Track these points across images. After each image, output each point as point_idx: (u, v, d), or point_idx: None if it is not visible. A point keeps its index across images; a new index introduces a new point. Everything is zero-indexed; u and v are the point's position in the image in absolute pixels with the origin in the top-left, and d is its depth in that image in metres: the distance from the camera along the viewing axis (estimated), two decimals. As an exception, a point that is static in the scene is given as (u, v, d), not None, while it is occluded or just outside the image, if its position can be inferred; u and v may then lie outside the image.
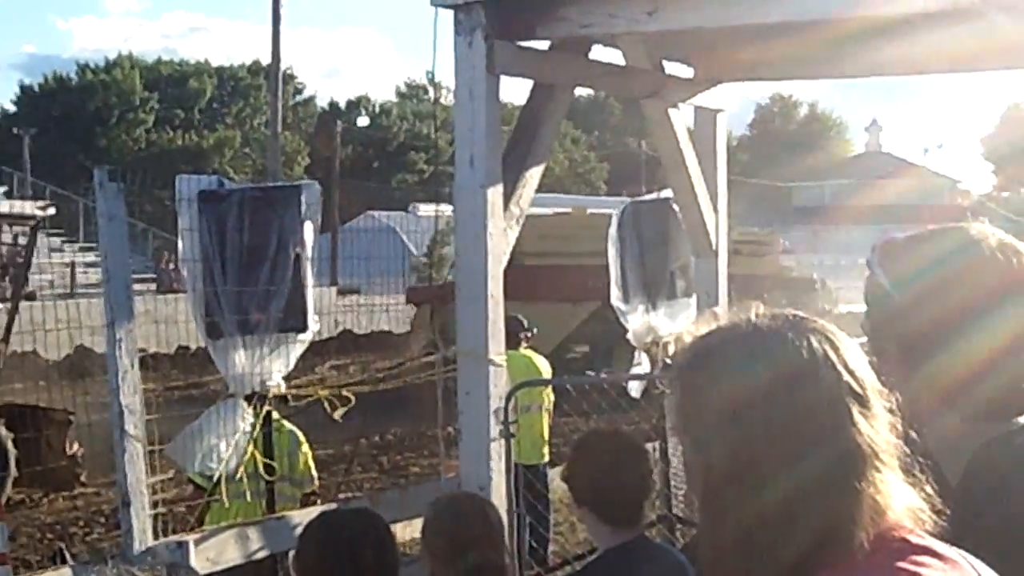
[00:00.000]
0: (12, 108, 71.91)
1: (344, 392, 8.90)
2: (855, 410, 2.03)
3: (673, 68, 10.39)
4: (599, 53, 9.57)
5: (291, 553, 8.47)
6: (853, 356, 2.09)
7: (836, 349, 2.08)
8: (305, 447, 9.47)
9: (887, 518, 2.03)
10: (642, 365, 10.87)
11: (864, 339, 2.64)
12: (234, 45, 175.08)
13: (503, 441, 8.03)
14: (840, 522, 2.00)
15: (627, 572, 4.44)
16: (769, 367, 2.05)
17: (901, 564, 1.99)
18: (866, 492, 2.01)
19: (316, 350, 9.18)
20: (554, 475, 12.78)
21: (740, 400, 2.04)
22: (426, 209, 44.11)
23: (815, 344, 2.07)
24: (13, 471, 17.26)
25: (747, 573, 2.02)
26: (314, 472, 9.62)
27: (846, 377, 2.05)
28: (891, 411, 2.07)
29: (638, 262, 10.84)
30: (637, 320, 10.82)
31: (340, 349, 33.02)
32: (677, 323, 10.85)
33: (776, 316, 2.13)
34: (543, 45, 8.93)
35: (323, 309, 10.86)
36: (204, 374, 26.14)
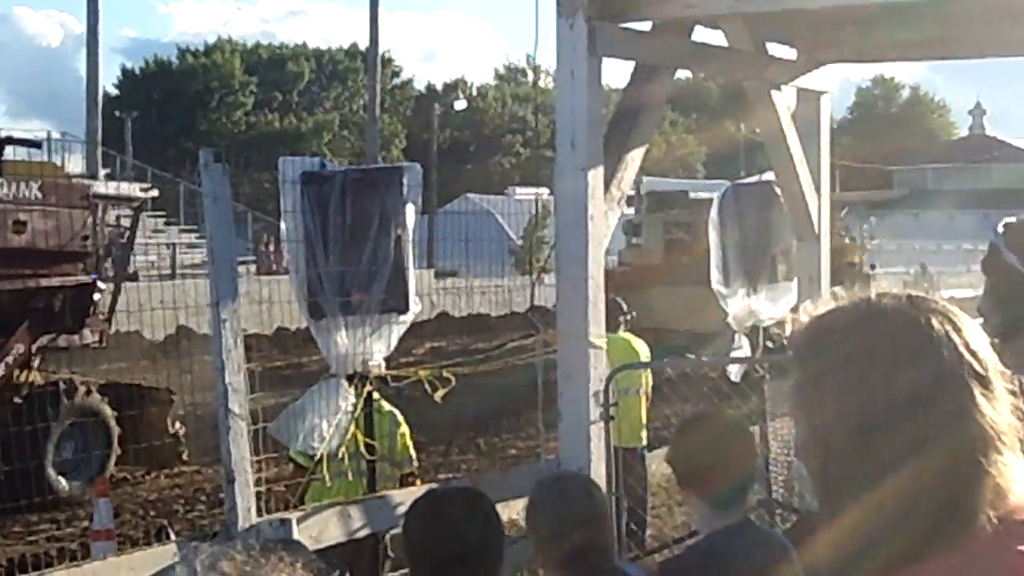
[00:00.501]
0: (114, 91, 72.69)
1: (444, 373, 8.92)
2: (977, 391, 1.99)
3: (776, 50, 10.31)
4: (701, 35, 9.52)
5: (388, 533, 8.56)
6: (975, 336, 2.05)
7: (958, 329, 2.04)
8: (404, 428, 9.52)
9: (1008, 501, 1.99)
10: (742, 349, 10.80)
11: (981, 320, 2.60)
12: (332, 28, 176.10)
13: (602, 424, 8.03)
14: (961, 505, 1.97)
15: (730, 554, 4.43)
16: (888, 348, 2.01)
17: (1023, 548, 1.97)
18: (988, 475, 1.97)
19: (414, 332, 9.24)
20: (652, 458, 12.76)
21: (859, 381, 2.01)
22: (523, 192, 44.21)
23: (936, 324, 2.03)
24: (116, 449, 17.51)
25: (867, 557, 2.00)
26: (413, 453, 9.66)
27: (967, 357, 2.01)
28: (1013, 393, 2.04)
29: (739, 246, 10.76)
30: (737, 304, 10.75)
31: (438, 331, 33.16)
32: (778, 307, 10.78)
33: (897, 296, 2.10)
34: (645, 26, 8.90)
35: (421, 291, 10.90)
36: (303, 355, 26.38)
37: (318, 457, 8.40)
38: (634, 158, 8.73)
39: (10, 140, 19.28)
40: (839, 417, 2.02)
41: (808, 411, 2.10)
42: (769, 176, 11.00)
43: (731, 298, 10.74)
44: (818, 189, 10.52)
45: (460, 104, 79.58)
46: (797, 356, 2.16)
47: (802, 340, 2.14)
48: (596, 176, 7.95)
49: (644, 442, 12.72)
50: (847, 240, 35.30)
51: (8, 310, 16.70)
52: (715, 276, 10.77)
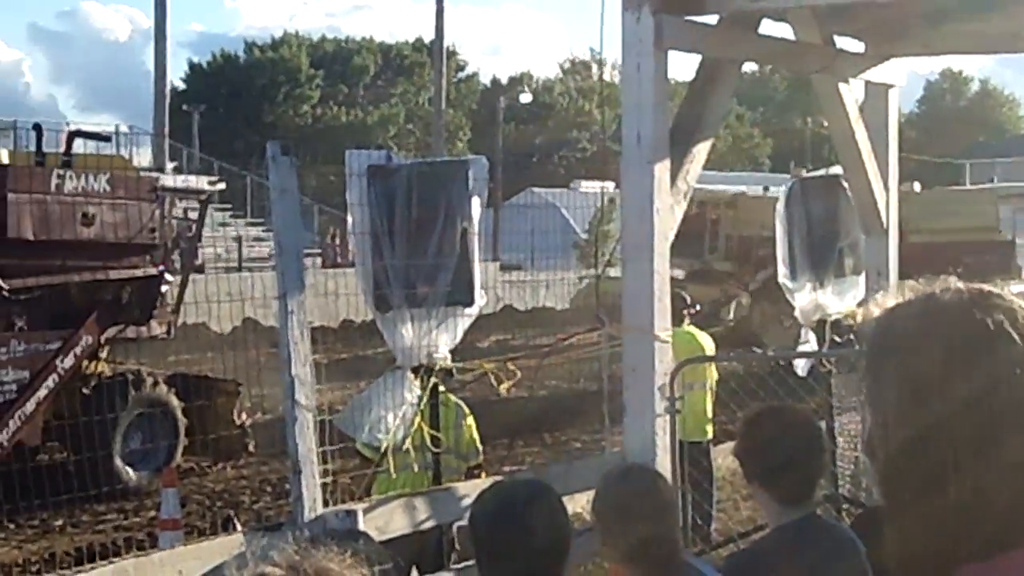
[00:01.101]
0: (182, 85, 73.22)
1: (509, 366, 8.93)
2: None
3: (844, 43, 10.24)
4: (768, 28, 9.47)
5: (455, 524, 8.58)
6: None
7: (1017, 324, 2.01)
8: (470, 420, 9.53)
9: None
10: (809, 343, 10.75)
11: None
12: (397, 22, 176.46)
13: (668, 417, 8.01)
14: None
15: (798, 549, 4.41)
16: (948, 343, 1.99)
17: None
18: None
19: (479, 325, 9.26)
20: (718, 452, 12.72)
21: (919, 376, 1.99)
22: (588, 186, 44.07)
23: (999, 319, 2.00)
24: (183, 440, 17.65)
25: (933, 554, 1.98)
26: (479, 445, 9.68)
27: None
28: None
29: (806, 239, 10.71)
30: (804, 298, 10.70)
31: (502, 325, 33.19)
32: (845, 301, 10.72)
33: (959, 291, 2.07)
34: (711, 20, 8.86)
35: (486, 284, 10.92)
36: (368, 347, 26.46)
37: (384, 449, 8.43)
38: (700, 152, 8.70)
39: (80, 133, 19.49)
40: (899, 413, 2.00)
41: (872, 406, 2.08)
42: (837, 170, 10.94)
43: (798, 292, 10.69)
44: (886, 183, 10.44)
45: (526, 98, 79.57)
46: (864, 350, 2.14)
47: (868, 334, 2.13)
48: (662, 169, 7.93)
49: (709, 436, 12.69)
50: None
51: (77, 302, 16.88)
52: (781, 270, 10.73)
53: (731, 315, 33.15)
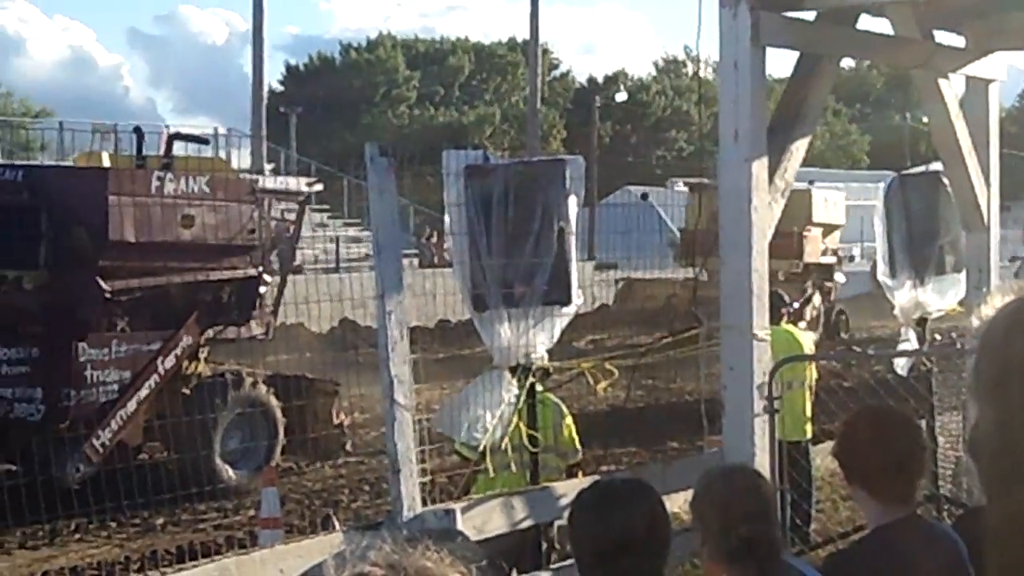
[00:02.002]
0: (279, 87, 73.79)
1: (607, 365, 8.92)
2: None
3: (943, 37, 10.12)
4: (866, 23, 9.38)
5: (556, 523, 8.58)
6: None
7: None
8: (568, 419, 9.52)
9: None
10: (910, 342, 10.63)
11: None
12: (491, 22, 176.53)
13: (767, 417, 7.96)
14: None
15: (899, 549, 4.36)
16: None
17: None
18: None
19: (575, 325, 9.24)
20: (817, 452, 12.61)
21: (1000, 375, 1.97)
22: (683, 184, 43.86)
23: None
24: (282, 439, 17.76)
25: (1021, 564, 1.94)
26: (578, 444, 9.66)
27: None
28: None
29: (906, 237, 10.61)
30: (904, 296, 10.59)
31: (598, 324, 33.15)
32: (946, 299, 10.60)
33: None
34: (809, 15, 8.80)
35: (582, 283, 10.91)
36: (465, 347, 26.56)
37: (481, 448, 8.44)
38: (798, 148, 8.65)
39: (179, 136, 19.70)
40: (987, 410, 1.98)
41: (976, 406, 2.06)
42: (937, 166, 10.81)
43: (897, 290, 10.58)
44: (987, 179, 10.31)
45: (621, 96, 79.41)
46: (973, 348, 2.12)
47: (976, 333, 2.10)
48: (760, 167, 7.89)
49: (808, 436, 12.57)
50: None
51: (177, 302, 17.05)
52: (881, 267, 10.63)
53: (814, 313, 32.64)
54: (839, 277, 36.57)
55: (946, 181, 10.58)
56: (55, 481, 14.49)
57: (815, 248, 34.40)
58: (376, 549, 2.05)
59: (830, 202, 35.83)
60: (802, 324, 26.18)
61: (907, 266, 10.59)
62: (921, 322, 10.70)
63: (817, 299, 32.00)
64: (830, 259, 35.94)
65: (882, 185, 11.23)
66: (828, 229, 35.61)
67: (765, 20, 7.78)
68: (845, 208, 36.85)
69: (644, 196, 42.36)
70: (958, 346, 10.19)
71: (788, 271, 32.12)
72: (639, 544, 3.82)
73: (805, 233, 33.65)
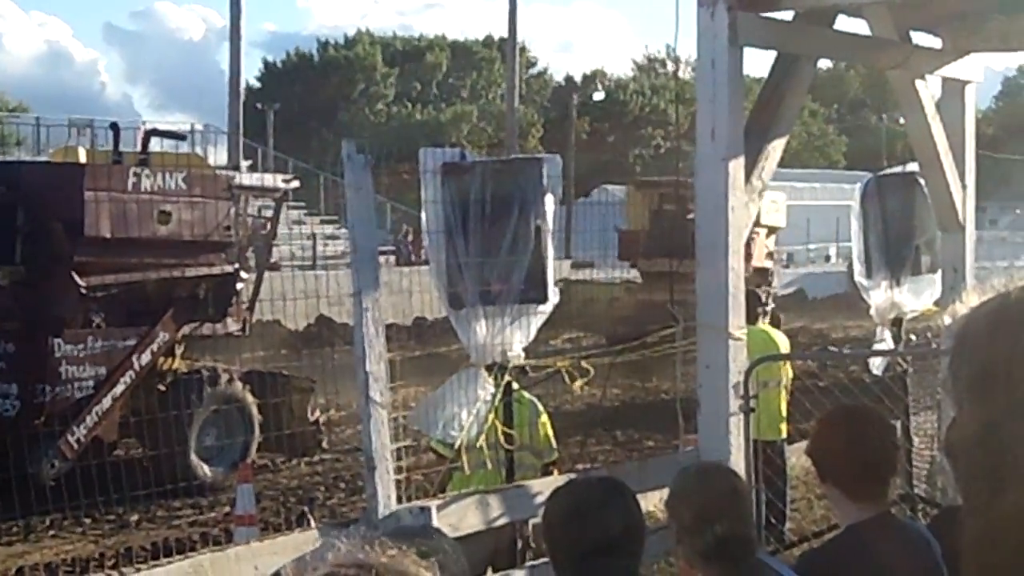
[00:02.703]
0: (256, 84, 73.67)
1: (583, 364, 8.93)
2: None
3: (920, 39, 10.16)
4: (844, 24, 9.41)
5: (531, 521, 8.58)
6: None
7: None
8: (544, 417, 9.53)
9: None
10: (885, 342, 10.66)
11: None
12: (468, 19, 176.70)
13: (742, 416, 7.98)
14: None
15: (872, 547, 4.38)
16: (1014, 339, 1.96)
17: None
18: None
19: (552, 323, 9.24)
20: (792, 451, 12.64)
21: (986, 373, 1.96)
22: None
23: None
24: (257, 436, 17.75)
25: (1012, 556, 1.95)
26: (554, 442, 9.67)
27: None
28: None
29: (882, 237, 10.64)
30: (880, 296, 10.63)
31: (574, 323, 33.15)
32: (921, 300, 10.63)
33: None
34: (787, 16, 8.83)
35: (558, 282, 10.89)
36: (441, 345, 26.54)
37: (457, 446, 8.45)
38: (775, 148, 8.67)
39: (156, 132, 19.67)
40: (970, 410, 1.98)
41: (952, 406, 2.06)
42: (913, 167, 10.85)
43: (873, 290, 10.62)
44: (963, 180, 10.36)
45: (598, 95, 79.49)
46: (949, 348, 2.12)
47: (953, 331, 2.11)
48: (737, 167, 7.91)
49: (784, 435, 12.61)
50: None
51: (153, 299, 17.03)
52: (857, 268, 10.66)
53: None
54: (776, 281, 35.37)
55: (922, 182, 10.62)
56: (30, 477, 14.44)
57: (761, 251, 32.67)
58: (334, 550, 2.04)
59: (772, 203, 33.01)
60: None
61: (883, 266, 10.62)
62: (897, 322, 10.73)
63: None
64: (769, 263, 34.50)
65: (858, 186, 11.26)
66: (770, 231, 34.23)
67: (743, 20, 7.80)
68: (787, 209, 35.31)
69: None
70: (933, 346, 10.23)
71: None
72: (614, 543, 3.83)
73: (753, 235, 32.01)
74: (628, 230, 34.58)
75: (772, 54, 9.05)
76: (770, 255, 34.47)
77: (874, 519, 4.44)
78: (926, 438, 10.47)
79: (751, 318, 10.23)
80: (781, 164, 9.19)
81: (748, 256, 30.03)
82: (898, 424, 10.44)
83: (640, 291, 31.07)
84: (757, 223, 31.13)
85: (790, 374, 12.76)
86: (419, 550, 2.10)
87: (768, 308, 13.14)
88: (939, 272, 10.70)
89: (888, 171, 12.09)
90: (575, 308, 31.10)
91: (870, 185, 10.96)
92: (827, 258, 62.08)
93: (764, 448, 10.11)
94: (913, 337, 10.71)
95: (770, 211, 31.91)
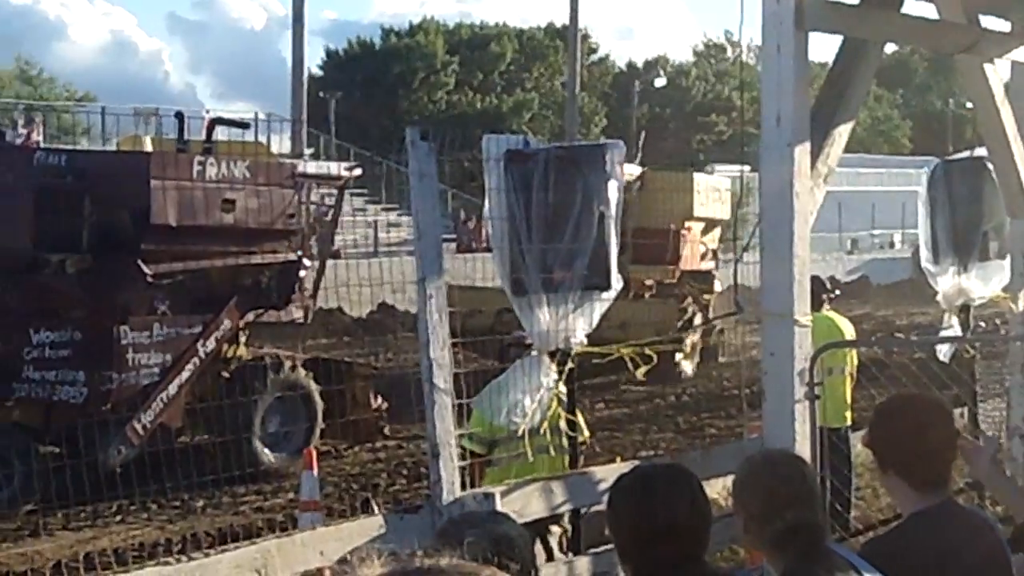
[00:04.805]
0: (318, 72, 73.82)
1: (646, 351, 8.88)
2: None
3: (989, 22, 10.03)
4: (911, 7, 9.31)
5: (584, 510, 8.55)
6: None
7: None
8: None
9: None
10: (953, 328, 10.57)
11: None
12: (528, 7, 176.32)
13: (807, 403, 7.92)
14: None
15: (933, 535, 4.34)
16: None
17: None
18: None
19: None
20: (857, 439, 12.56)
21: None
22: (723, 169, 43.74)
23: None
24: (320, 422, 17.84)
25: None
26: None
27: None
28: None
29: (949, 223, 10.54)
30: (947, 282, 10.53)
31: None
32: (990, 286, 10.52)
33: None
34: (853, 0, 8.75)
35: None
36: (505, 332, 26.51)
37: (521, 432, 8.43)
38: (841, 133, 8.60)
39: (220, 121, 19.77)
40: None
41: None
42: (981, 152, 10.73)
43: (941, 276, 10.52)
44: (1032, 165, 10.23)
45: (660, 81, 79.24)
46: (1018, 335, 2.09)
47: (1019, 319, 2.08)
48: (802, 152, 7.84)
49: (849, 422, 12.54)
50: None
51: (217, 287, 17.14)
52: (924, 254, 10.57)
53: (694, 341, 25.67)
54: (717, 285, 27.75)
55: (990, 167, 10.51)
56: (98, 463, 14.58)
57: (694, 251, 27.12)
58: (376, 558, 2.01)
59: (713, 192, 27.69)
60: (678, 356, 23.23)
61: (950, 252, 10.53)
62: (964, 309, 10.63)
63: (698, 319, 25.74)
64: (709, 263, 28.16)
65: (925, 171, 11.16)
66: (709, 225, 27.99)
67: (809, 4, 7.73)
68: (731, 199, 28.36)
69: (691, 164, 37.09)
70: (1002, 333, 10.13)
71: (660, 280, 25.86)
72: (680, 530, 3.80)
73: (683, 232, 26.39)
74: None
75: (837, 39, 8.98)
76: (711, 255, 28.38)
77: (936, 506, 4.41)
78: (994, 425, 10.36)
79: (816, 304, 10.16)
80: (845, 150, 9.11)
81: (676, 258, 25.35)
82: (965, 411, 10.36)
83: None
84: (690, 216, 26.25)
85: (855, 361, 12.68)
86: (490, 537, 2.10)
87: (834, 295, 13.01)
88: (1007, 258, 10.59)
89: (956, 156, 11.99)
90: (456, 321, 26.81)
91: (937, 170, 10.87)
92: (892, 244, 61.70)
93: (829, 435, 10.04)
94: (981, 324, 10.61)
95: (709, 201, 27.20)
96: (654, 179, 26.55)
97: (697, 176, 27.78)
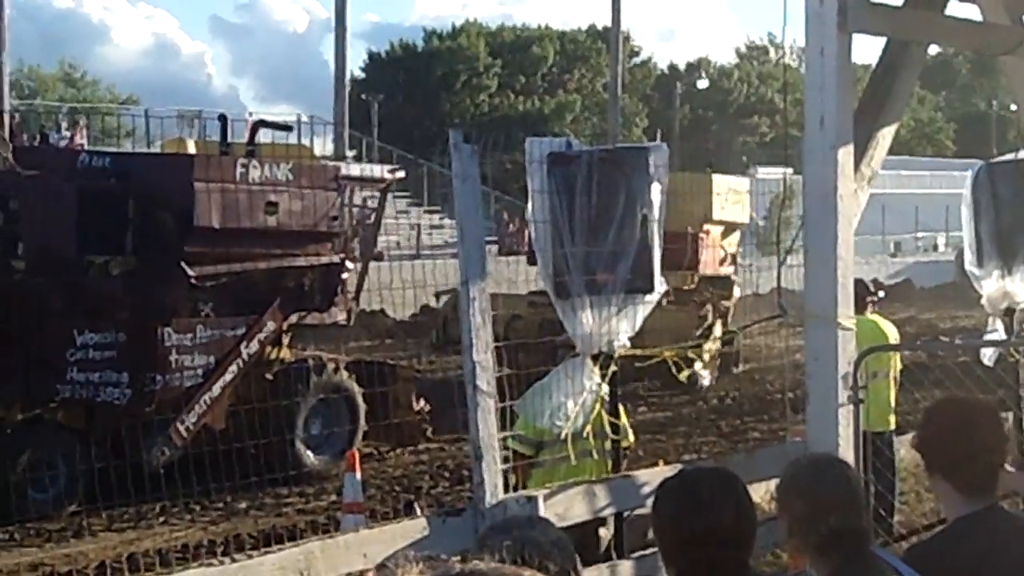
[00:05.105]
0: (360, 75, 74.02)
1: (689, 354, 8.88)
2: None
3: (1033, 23, 9.97)
4: (955, 8, 9.28)
5: (627, 513, 8.54)
6: None
7: None
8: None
9: None
10: (997, 332, 10.50)
11: None
12: (569, 8, 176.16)
13: (851, 407, 7.90)
14: None
15: (977, 539, 4.32)
16: None
17: None
18: None
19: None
20: (901, 443, 12.49)
21: None
22: (765, 171, 43.69)
23: None
24: (363, 425, 17.85)
25: None
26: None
27: None
28: None
29: (993, 226, 10.46)
30: (991, 285, 10.46)
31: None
32: (1036, 289, 10.45)
33: None
34: (897, 1, 8.72)
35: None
36: (551, 335, 26.50)
37: (564, 436, 8.43)
38: (885, 135, 8.58)
39: (263, 123, 19.83)
40: None
41: None
42: (1026, 154, 10.67)
43: (985, 279, 10.45)
44: (1079, 167, 10.16)
45: (703, 83, 79.10)
46: None
47: None
48: (846, 154, 7.82)
49: (893, 426, 12.46)
50: None
51: (260, 289, 17.17)
52: (968, 257, 10.50)
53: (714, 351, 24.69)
54: (738, 293, 26.89)
55: (1035, 169, 10.44)
56: (141, 464, 14.65)
57: (714, 256, 25.92)
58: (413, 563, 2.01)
59: (733, 194, 26.53)
60: (697, 365, 21.78)
61: (995, 255, 10.45)
62: (1009, 312, 10.56)
63: (718, 329, 24.96)
64: (728, 268, 26.88)
65: (969, 173, 11.09)
66: (728, 229, 26.68)
67: (853, 6, 7.71)
68: (749, 201, 27.27)
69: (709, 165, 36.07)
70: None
71: (679, 286, 23.47)
72: (726, 534, 3.78)
73: (702, 235, 25.16)
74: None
75: (881, 40, 8.94)
76: (730, 259, 27.09)
77: (982, 511, 4.38)
78: (1042, 429, 10.29)
79: (859, 307, 10.12)
80: (889, 152, 9.08)
81: (694, 263, 24.17)
82: (1010, 416, 10.29)
83: None
84: (709, 219, 25.05)
85: (899, 364, 12.61)
86: (520, 543, 2.10)
87: (878, 296, 12.94)
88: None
89: (1000, 158, 11.91)
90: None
91: (981, 173, 10.79)
92: (935, 247, 61.37)
93: (873, 439, 9.99)
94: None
95: (728, 204, 26.07)
96: (672, 181, 25.68)
97: (716, 177, 26.61)
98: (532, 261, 20.74)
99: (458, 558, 2.05)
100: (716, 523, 3.76)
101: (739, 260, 27.62)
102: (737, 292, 26.37)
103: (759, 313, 26.03)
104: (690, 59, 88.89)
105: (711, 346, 24.16)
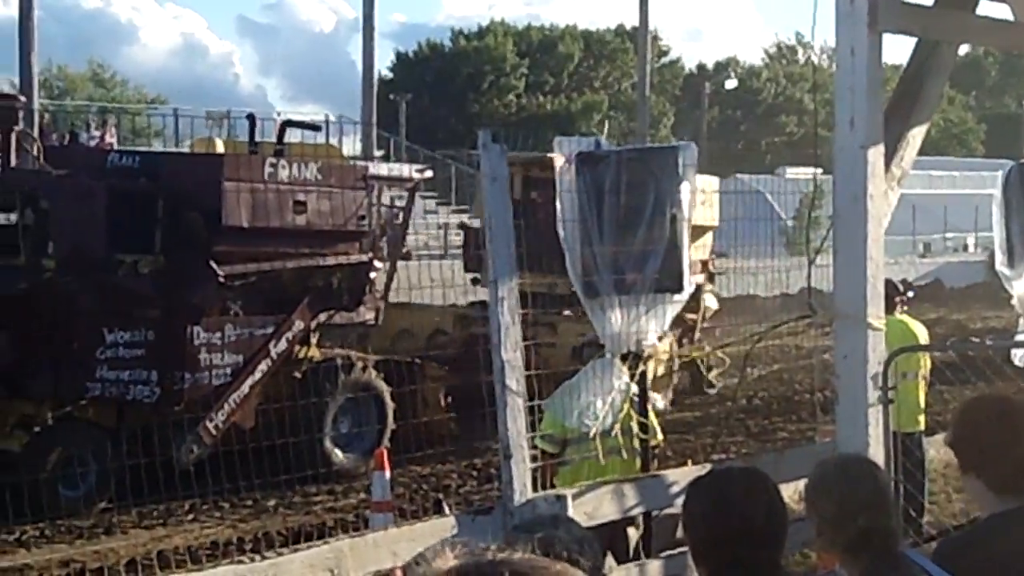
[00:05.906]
0: (388, 74, 74.09)
1: (718, 353, 8.87)
2: None
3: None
4: (986, 8, 9.23)
5: (656, 513, 8.55)
6: None
7: None
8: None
9: None
10: (1027, 332, 10.47)
11: None
12: (596, 8, 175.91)
13: (881, 407, 7.87)
14: None
15: (1007, 537, 4.30)
16: None
17: None
18: None
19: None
20: (930, 444, 12.46)
21: None
22: (794, 172, 43.54)
23: None
24: (391, 423, 17.88)
25: None
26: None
27: None
28: None
29: (1024, 226, 10.43)
30: (1022, 286, 10.42)
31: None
32: (1067, 290, 10.41)
33: None
34: (928, 1, 8.69)
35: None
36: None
37: (593, 434, 8.44)
38: (915, 136, 8.55)
39: (291, 123, 19.88)
40: None
41: None
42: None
43: (1016, 280, 10.42)
44: (1110, 167, 10.12)
45: (731, 83, 78.95)
46: None
47: None
48: (876, 154, 7.78)
49: (922, 427, 12.43)
50: None
51: (289, 288, 17.23)
52: (999, 257, 10.46)
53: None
54: (711, 302, 24.27)
55: (1066, 169, 10.40)
56: (172, 462, 14.71)
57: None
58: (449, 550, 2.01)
59: (700, 194, 20.53)
60: (655, 396, 19.32)
61: (1026, 256, 10.42)
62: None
63: (666, 346, 19.67)
64: (698, 277, 21.69)
65: (1000, 174, 11.05)
66: (697, 233, 21.24)
67: (883, 5, 7.68)
68: (719, 202, 24.96)
69: None
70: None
71: None
72: (757, 534, 3.78)
73: None
74: (472, 228, 23.84)
75: (911, 40, 8.92)
76: (699, 267, 22.82)
77: (1014, 510, 4.36)
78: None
79: (888, 307, 10.08)
80: (918, 152, 9.06)
81: None
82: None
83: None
84: None
85: (928, 365, 12.57)
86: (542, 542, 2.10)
87: (908, 296, 12.90)
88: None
89: (1031, 159, 11.86)
90: (386, 342, 21.04)
91: (1012, 173, 10.76)
92: (965, 247, 61.10)
93: (903, 440, 9.97)
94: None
95: (696, 204, 20.49)
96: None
97: None
98: (468, 268, 22.02)
99: (494, 546, 2.05)
100: (748, 523, 3.76)
101: (712, 267, 25.98)
102: (713, 304, 24.46)
103: (789, 313, 26.05)
104: (718, 59, 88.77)
105: (657, 368, 21.30)
